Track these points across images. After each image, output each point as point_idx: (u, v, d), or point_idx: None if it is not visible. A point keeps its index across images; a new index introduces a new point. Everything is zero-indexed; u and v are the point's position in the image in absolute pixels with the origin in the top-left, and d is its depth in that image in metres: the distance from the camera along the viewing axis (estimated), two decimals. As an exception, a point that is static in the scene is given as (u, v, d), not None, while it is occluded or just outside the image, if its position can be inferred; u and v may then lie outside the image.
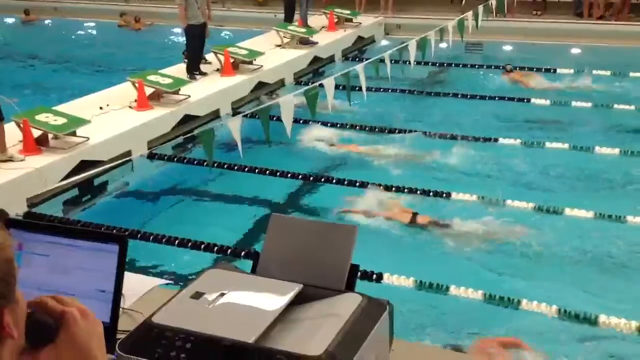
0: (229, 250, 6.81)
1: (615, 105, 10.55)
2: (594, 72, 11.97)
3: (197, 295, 2.12)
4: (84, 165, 8.29)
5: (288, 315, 2.11)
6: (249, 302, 2.13)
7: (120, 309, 2.27)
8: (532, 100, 11.02)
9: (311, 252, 2.35)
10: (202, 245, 6.90)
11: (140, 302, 2.50)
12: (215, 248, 6.84)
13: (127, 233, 6.68)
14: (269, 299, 2.13)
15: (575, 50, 13.48)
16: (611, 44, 13.52)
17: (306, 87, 8.19)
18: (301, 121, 9.61)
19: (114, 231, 5.61)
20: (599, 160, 8.82)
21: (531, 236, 7.04)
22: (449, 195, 8.02)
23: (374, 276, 6.50)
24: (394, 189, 8.06)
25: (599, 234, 7.08)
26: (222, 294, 2.13)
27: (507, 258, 6.83)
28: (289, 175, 8.65)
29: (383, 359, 2.14)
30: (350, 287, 2.29)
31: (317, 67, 13.44)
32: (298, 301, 2.17)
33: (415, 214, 7.43)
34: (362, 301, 2.13)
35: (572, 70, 12.26)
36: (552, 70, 12.38)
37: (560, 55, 13.30)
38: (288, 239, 2.40)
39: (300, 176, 8.65)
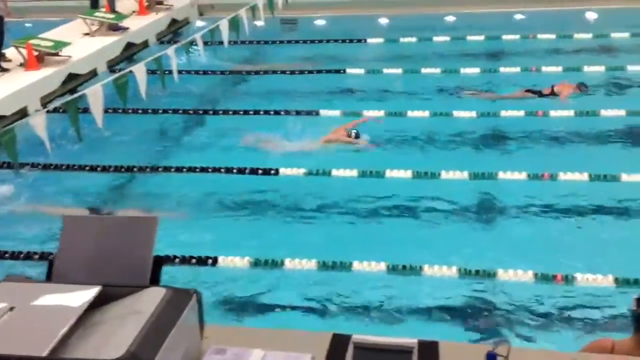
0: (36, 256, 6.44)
1: (424, 70, 11.18)
2: (401, 39, 12.62)
3: (-19, 315, 1.94)
4: None
5: (89, 320, 2.00)
6: (41, 312, 1.99)
7: None
8: (348, 70, 11.38)
9: (110, 250, 2.24)
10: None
11: None
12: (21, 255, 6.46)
13: None
14: (65, 306, 2.00)
15: (384, 20, 14.05)
16: (418, 12, 14.23)
17: (114, 76, 7.83)
18: (120, 110, 9.25)
19: None
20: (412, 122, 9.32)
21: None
22: (277, 172, 8.13)
23: (210, 260, 6.47)
24: (210, 169, 8.07)
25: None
26: (12, 309, 1.97)
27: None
28: (110, 168, 8.32)
29: (194, 348, 2.10)
30: (155, 280, 2.21)
31: (132, 54, 12.93)
32: (99, 303, 2.07)
33: None
34: (167, 294, 2.08)
35: (381, 40, 12.80)
36: (362, 40, 12.86)
37: (371, 25, 13.79)
38: (84, 239, 2.28)
39: (123, 169, 8.34)
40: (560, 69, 10.56)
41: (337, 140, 8.77)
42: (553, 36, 12.17)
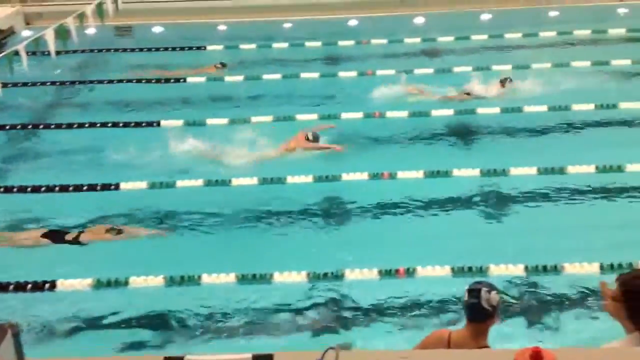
0: None
1: (265, 76, 11.24)
2: (241, 45, 12.62)
3: None
4: None
5: None
6: None
7: None
8: (188, 79, 11.21)
9: None
10: None
11: None
12: None
13: None
14: None
15: (222, 27, 13.95)
16: (256, 18, 14.28)
17: None
18: None
19: None
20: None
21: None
22: (117, 186, 7.82)
23: (47, 285, 6.09)
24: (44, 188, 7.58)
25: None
26: None
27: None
28: None
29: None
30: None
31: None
32: None
33: None
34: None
35: (221, 47, 12.72)
36: (202, 48, 12.72)
37: (208, 31, 13.64)
38: None
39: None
40: (393, 72, 11.04)
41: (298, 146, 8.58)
42: (385, 41, 12.73)
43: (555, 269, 6.01)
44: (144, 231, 6.97)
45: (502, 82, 10.12)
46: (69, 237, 6.85)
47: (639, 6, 13.81)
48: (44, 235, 6.86)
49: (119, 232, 6.86)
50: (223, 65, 11.59)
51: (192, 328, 5.53)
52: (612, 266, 5.89)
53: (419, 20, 13.75)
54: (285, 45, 12.77)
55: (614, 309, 3.03)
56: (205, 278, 6.11)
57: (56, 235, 6.86)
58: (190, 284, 6.08)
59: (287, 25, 13.78)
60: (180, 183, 7.87)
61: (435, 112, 9.50)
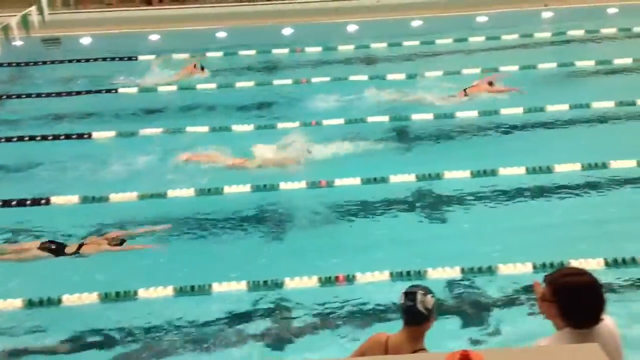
0: None
1: (199, 85, 11.14)
2: (174, 55, 12.44)
3: None
4: None
5: None
6: None
7: None
8: (120, 90, 10.99)
9: None
10: None
11: None
12: None
13: None
14: None
15: (154, 37, 13.72)
16: (188, 27, 14.11)
17: None
18: None
19: None
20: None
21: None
22: (48, 201, 7.60)
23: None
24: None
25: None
26: None
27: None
28: None
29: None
30: None
31: None
32: None
33: None
34: None
35: (153, 56, 12.50)
36: (134, 58, 12.49)
37: (139, 41, 13.40)
38: None
39: None
40: (329, 79, 11.10)
41: None
42: (319, 49, 12.78)
43: (490, 270, 6.15)
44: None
45: (490, 82, 10.30)
46: (68, 250, 6.67)
47: (562, 10, 14.30)
48: (43, 249, 6.66)
49: (121, 242, 6.75)
50: (201, 67, 11.50)
51: (129, 345, 5.41)
52: (544, 265, 6.06)
53: (352, 27, 13.87)
54: (219, 54, 12.67)
55: (544, 308, 3.10)
56: (142, 293, 6.00)
57: (56, 249, 6.66)
58: (127, 300, 5.96)
59: (221, 34, 13.68)
60: (113, 196, 7.70)
61: (370, 119, 9.59)
